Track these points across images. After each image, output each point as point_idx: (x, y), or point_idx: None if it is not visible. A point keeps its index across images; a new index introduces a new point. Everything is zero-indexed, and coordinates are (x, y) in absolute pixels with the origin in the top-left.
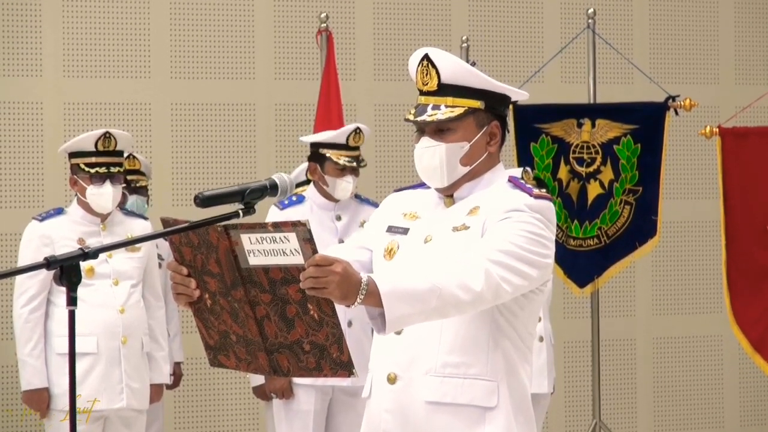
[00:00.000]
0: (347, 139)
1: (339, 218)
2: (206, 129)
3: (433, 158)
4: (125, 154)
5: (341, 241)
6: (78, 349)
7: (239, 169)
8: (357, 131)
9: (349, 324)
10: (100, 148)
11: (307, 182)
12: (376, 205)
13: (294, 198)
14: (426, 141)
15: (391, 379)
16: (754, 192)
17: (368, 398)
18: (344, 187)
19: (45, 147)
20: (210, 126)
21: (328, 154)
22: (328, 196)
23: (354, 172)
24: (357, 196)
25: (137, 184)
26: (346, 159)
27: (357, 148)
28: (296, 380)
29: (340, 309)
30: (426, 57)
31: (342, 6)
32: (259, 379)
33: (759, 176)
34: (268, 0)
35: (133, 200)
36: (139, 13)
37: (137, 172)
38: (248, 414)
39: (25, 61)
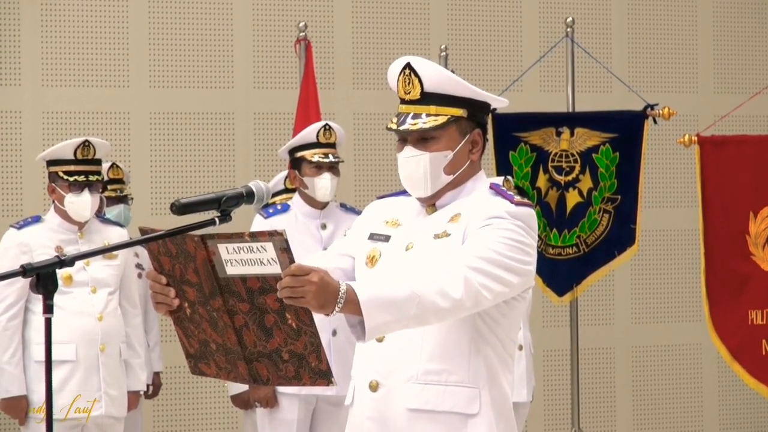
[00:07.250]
0: (317, 136)
1: (324, 227)
2: (185, 138)
3: (417, 168)
4: (104, 163)
5: (326, 250)
6: (57, 356)
7: (218, 178)
8: (326, 127)
9: (334, 333)
10: (79, 156)
11: (285, 191)
12: (360, 214)
13: (279, 207)
14: (409, 150)
15: (373, 387)
16: (733, 200)
17: (350, 406)
18: (323, 185)
19: (24, 156)
20: (188, 135)
21: (302, 156)
22: (312, 203)
23: (331, 170)
24: (342, 205)
25: (121, 193)
26: (320, 156)
27: (331, 146)
28: (280, 389)
29: (324, 318)
30: (408, 66)
31: (320, 15)
32: (237, 388)
33: (738, 185)
34: (246, 9)
35: (119, 209)
36: (118, 23)
37: (120, 181)
38: (227, 423)
39: (3, 69)
